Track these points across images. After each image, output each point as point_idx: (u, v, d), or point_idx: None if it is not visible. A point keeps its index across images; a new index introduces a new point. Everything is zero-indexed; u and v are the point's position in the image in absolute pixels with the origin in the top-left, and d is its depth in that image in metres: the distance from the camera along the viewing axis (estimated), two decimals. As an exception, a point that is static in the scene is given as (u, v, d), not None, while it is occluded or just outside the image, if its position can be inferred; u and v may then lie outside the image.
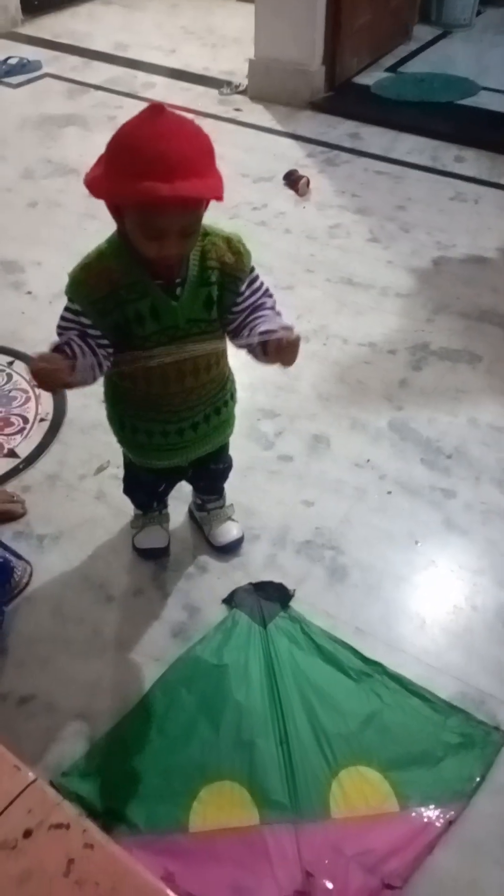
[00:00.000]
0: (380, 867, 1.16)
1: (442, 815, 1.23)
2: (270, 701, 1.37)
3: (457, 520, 1.71)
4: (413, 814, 1.23)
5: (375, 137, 3.34)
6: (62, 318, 1.21)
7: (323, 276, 2.49)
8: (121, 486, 1.79)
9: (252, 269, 1.26)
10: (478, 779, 1.27)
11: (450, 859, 1.18)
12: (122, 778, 1.28)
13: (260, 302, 1.27)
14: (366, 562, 1.63)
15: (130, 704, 1.38)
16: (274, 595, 1.56)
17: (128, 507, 1.72)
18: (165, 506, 1.67)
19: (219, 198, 1.09)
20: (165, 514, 1.67)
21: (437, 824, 1.22)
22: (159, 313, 1.20)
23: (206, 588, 1.58)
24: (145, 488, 1.60)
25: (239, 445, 1.66)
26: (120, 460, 1.84)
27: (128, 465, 1.56)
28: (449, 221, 2.77)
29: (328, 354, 2.18)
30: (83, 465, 1.85)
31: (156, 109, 1.05)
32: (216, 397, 1.37)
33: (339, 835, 1.21)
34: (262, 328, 1.22)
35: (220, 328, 1.28)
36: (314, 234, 2.71)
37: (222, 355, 1.34)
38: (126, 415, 1.38)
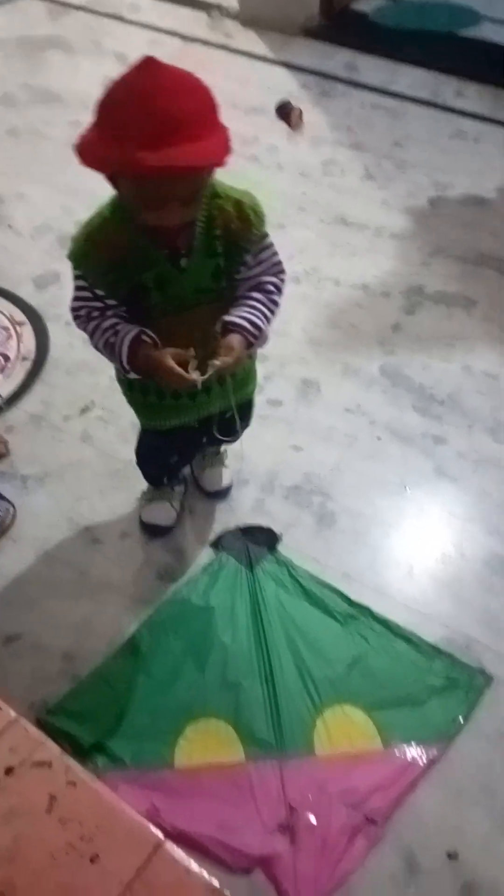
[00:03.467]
0: (363, 804, 1.19)
1: (425, 755, 1.25)
2: (256, 642, 1.38)
3: (448, 467, 1.70)
4: (396, 753, 1.25)
5: (373, 69, 3.19)
6: (77, 297, 1.16)
7: (316, 215, 2.41)
8: (107, 428, 1.76)
9: (264, 237, 1.15)
10: (461, 720, 1.29)
11: (431, 797, 1.21)
12: (108, 716, 1.28)
13: (260, 281, 1.17)
14: (354, 508, 1.62)
15: (116, 645, 1.38)
16: (261, 539, 1.55)
17: (114, 451, 1.70)
18: (179, 482, 1.60)
19: (216, 164, 0.99)
20: (178, 492, 1.59)
21: (420, 763, 1.24)
22: (164, 284, 1.13)
23: (192, 531, 1.57)
24: (157, 458, 1.52)
25: (228, 388, 1.62)
26: (105, 401, 1.81)
27: (141, 435, 1.50)
28: (448, 160, 2.67)
29: (320, 297, 2.12)
30: (68, 405, 1.80)
31: (147, 64, 0.94)
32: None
33: (323, 772, 1.23)
34: (228, 317, 1.14)
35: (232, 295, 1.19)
36: (307, 170, 2.61)
37: None
38: (134, 378, 1.27)
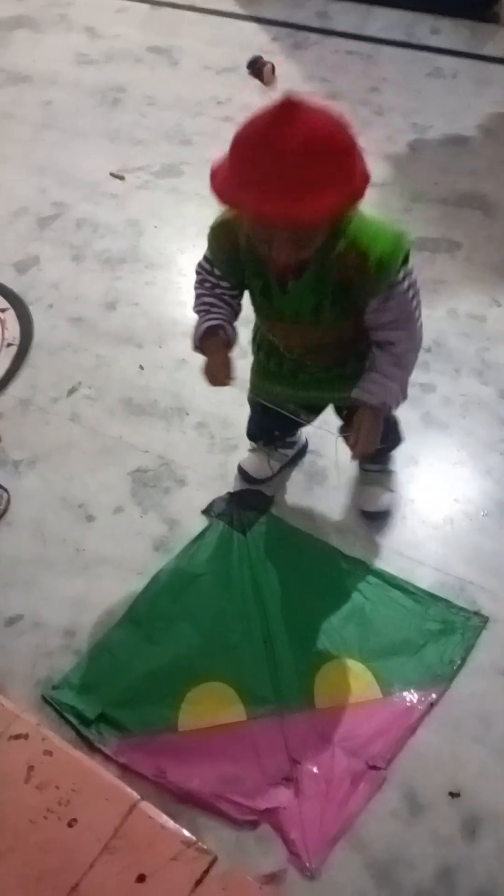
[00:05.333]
0: (364, 750, 1.20)
1: (423, 699, 1.26)
2: (253, 604, 1.39)
3: (436, 414, 1.68)
4: (395, 699, 1.26)
5: (345, 14, 3.10)
6: (200, 263, 1.23)
7: (293, 171, 2.36)
8: (95, 405, 1.78)
9: (395, 284, 1.08)
10: (458, 662, 1.29)
11: (432, 738, 1.22)
12: (112, 686, 1.31)
13: (387, 340, 1.15)
14: (344, 463, 1.61)
15: (116, 617, 1.40)
16: (253, 502, 1.55)
17: (103, 428, 1.71)
18: (287, 446, 1.60)
19: (327, 222, 0.99)
20: (280, 453, 1.59)
21: (419, 707, 1.25)
22: (270, 295, 1.16)
23: (184, 501, 1.57)
24: (254, 422, 1.55)
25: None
26: (91, 380, 1.83)
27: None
28: (425, 101, 2.60)
29: (301, 254, 2.09)
30: (54, 387, 1.81)
31: (284, 110, 0.90)
32: (345, 357, 1.26)
33: (323, 723, 1.24)
34: (359, 393, 1.18)
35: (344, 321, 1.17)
36: (283, 126, 2.55)
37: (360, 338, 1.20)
38: (260, 327, 1.32)
